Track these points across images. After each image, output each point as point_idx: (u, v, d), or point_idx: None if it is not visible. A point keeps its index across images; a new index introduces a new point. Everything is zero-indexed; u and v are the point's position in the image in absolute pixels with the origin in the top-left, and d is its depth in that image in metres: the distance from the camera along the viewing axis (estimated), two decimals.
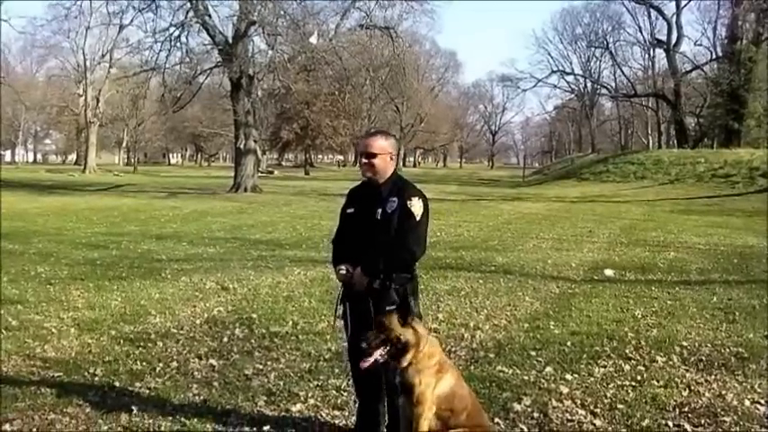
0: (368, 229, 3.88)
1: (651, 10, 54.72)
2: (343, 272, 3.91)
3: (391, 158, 4.00)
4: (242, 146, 31.90)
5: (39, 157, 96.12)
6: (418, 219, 3.85)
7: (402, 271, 3.86)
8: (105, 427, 4.34)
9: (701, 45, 56.62)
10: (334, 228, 4.24)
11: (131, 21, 33.12)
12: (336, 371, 5.37)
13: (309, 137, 63.32)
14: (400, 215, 3.83)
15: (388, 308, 3.58)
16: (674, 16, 50.50)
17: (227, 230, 16.14)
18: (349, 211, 4.09)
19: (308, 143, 66.46)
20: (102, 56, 57.04)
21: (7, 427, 4.34)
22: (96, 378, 5.26)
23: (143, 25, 33.04)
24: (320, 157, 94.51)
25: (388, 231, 3.82)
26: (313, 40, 30.67)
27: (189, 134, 77.69)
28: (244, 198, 28.60)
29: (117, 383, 5.13)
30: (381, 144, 3.96)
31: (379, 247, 3.80)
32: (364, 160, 3.97)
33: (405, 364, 3.46)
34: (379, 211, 3.86)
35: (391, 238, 3.81)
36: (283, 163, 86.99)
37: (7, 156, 77.03)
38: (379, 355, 3.46)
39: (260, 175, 38.63)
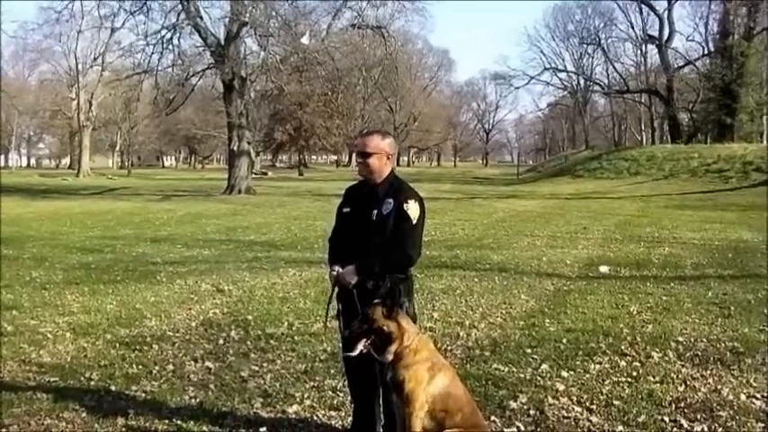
0: (363, 230, 3.84)
1: (643, 6, 54.95)
2: (335, 273, 3.89)
3: (388, 158, 3.93)
4: (235, 147, 31.86)
5: (32, 161, 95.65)
6: (414, 222, 3.81)
7: (397, 273, 3.82)
8: (102, 431, 4.33)
9: (692, 40, 56.85)
10: (329, 227, 4.23)
11: (123, 24, 33.13)
12: (332, 372, 5.37)
13: (303, 138, 63.18)
14: (396, 218, 3.78)
15: (375, 301, 3.58)
16: (666, 12, 50.83)
17: (222, 232, 16.13)
18: (345, 210, 4.04)
19: (302, 144, 66.32)
20: (95, 59, 56.70)
21: None
22: (92, 382, 5.25)
23: (135, 28, 33.26)
24: (314, 157, 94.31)
25: (383, 233, 3.78)
26: (305, 40, 30.65)
27: (182, 136, 77.46)
28: (238, 200, 28.54)
29: (113, 387, 5.12)
30: (377, 143, 3.91)
31: (374, 248, 3.76)
32: (359, 159, 3.93)
33: (389, 357, 3.47)
34: (375, 212, 3.81)
35: (386, 239, 3.77)
36: (277, 164, 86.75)
37: (1, 160, 76.64)
38: (362, 345, 3.48)
39: (254, 176, 38.59)
